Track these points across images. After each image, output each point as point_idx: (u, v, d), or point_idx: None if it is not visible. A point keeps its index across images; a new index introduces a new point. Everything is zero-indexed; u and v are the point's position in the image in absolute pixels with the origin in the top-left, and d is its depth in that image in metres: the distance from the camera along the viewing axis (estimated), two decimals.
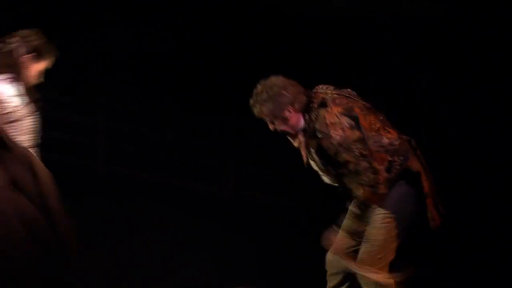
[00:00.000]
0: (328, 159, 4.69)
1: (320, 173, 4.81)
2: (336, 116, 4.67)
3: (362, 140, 4.60)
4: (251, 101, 4.74)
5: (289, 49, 9.15)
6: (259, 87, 4.73)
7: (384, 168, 4.64)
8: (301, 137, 4.77)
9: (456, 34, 7.47)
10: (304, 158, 4.79)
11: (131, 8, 10.55)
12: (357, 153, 4.61)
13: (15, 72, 4.76)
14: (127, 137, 8.85)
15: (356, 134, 4.63)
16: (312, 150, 4.74)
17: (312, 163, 4.80)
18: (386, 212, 4.71)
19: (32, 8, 9.76)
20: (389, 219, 4.71)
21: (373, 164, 4.61)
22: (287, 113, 4.72)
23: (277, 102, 4.69)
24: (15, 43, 4.77)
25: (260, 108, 4.72)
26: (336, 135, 4.63)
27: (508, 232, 6.60)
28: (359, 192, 4.65)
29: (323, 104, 4.72)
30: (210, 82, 9.70)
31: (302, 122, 4.75)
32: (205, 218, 7.38)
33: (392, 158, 4.66)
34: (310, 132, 4.72)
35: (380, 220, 4.73)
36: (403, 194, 4.73)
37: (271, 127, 4.78)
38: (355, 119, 4.67)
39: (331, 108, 4.69)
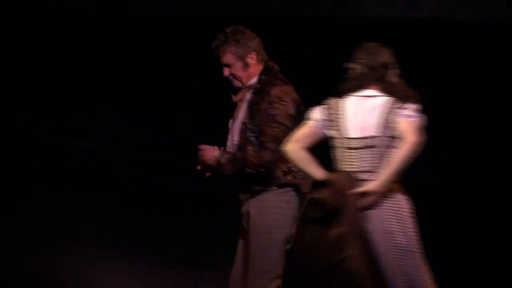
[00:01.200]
0: (250, 121, 4.73)
1: (231, 136, 4.84)
2: (290, 97, 4.72)
3: (289, 132, 4.53)
4: (217, 39, 4.78)
5: None
6: (229, 29, 4.80)
7: (283, 167, 4.68)
8: (247, 93, 4.81)
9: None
10: (231, 115, 4.86)
11: None
12: (276, 133, 4.63)
13: None
14: None
15: (289, 123, 4.65)
16: (244, 107, 4.80)
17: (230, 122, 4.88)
18: None
19: None
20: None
21: (277, 153, 4.59)
22: (249, 59, 4.77)
23: (245, 45, 4.76)
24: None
25: (226, 47, 4.76)
26: (278, 106, 4.67)
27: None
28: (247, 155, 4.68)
29: (285, 80, 4.79)
30: None
31: (255, 79, 4.79)
32: None
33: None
34: (258, 90, 4.75)
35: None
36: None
37: (226, 72, 4.79)
38: (297, 112, 4.70)
39: (290, 88, 4.76)
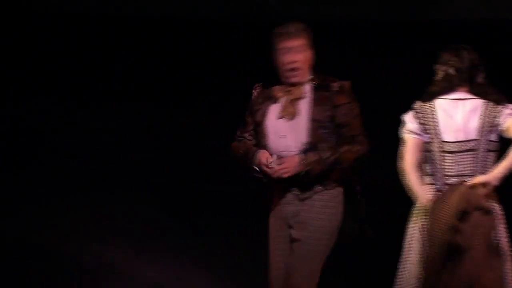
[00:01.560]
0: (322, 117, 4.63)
1: (288, 136, 4.65)
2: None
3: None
4: (293, 24, 4.63)
5: None
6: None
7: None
8: (305, 88, 4.66)
9: None
10: (285, 113, 4.66)
11: None
12: (362, 126, 4.64)
13: None
14: None
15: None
16: (308, 103, 4.63)
17: (282, 123, 4.65)
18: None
19: None
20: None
21: (368, 145, 4.62)
22: (312, 51, 4.69)
23: (311, 36, 4.65)
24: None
25: (303, 32, 4.61)
26: (354, 99, 4.64)
27: None
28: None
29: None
30: None
31: (309, 75, 4.68)
32: None
33: None
34: (322, 85, 4.65)
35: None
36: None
37: (297, 57, 4.59)
38: None
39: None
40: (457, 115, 4.30)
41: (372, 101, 5.17)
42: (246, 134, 4.78)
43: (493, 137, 4.28)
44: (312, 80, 4.68)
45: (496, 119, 4.26)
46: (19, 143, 10.61)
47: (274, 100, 4.69)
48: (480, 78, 4.36)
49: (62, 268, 6.40)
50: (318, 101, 4.62)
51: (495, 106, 4.28)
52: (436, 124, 4.32)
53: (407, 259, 4.41)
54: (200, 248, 6.72)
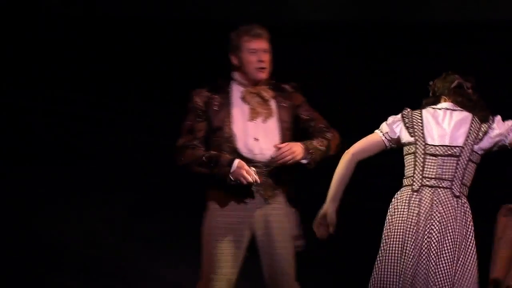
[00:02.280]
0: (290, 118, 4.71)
1: (262, 139, 4.66)
2: None
3: None
4: (258, 26, 4.71)
5: None
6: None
7: None
8: (265, 91, 4.71)
9: None
10: (255, 115, 4.68)
11: None
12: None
13: None
14: None
15: None
16: (267, 102, 4.69)
17: (254, 126, 4.66)
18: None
19: None
20: None
21: None
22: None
23: None
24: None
25: (268, 34, 4.72)
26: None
27: None
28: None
29: None
30: None
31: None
32: None
33: None
34: (276, 87, 4.73)
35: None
36: None
37: (265, 57, 4.65)
38: None
39: None
40: (445, 122, 4.52)
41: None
42: (196, 142, 4.69)
43: (476, 148, 4.47)
44: (267, 83, 4.75)
45: (480, 134, 4.49)
46: (21, 142, 10.63)
47: (236, 103, 4.68)
48: (470, 94, 4.59)
49: (70, 267, 6.43)
50: (281, 102, 4.71)
51: (481, 121, 4.51)
52: (422, 128, 4.53)
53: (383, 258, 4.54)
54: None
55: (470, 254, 4.39)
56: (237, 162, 4.53)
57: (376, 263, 4.45)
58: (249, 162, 4.58)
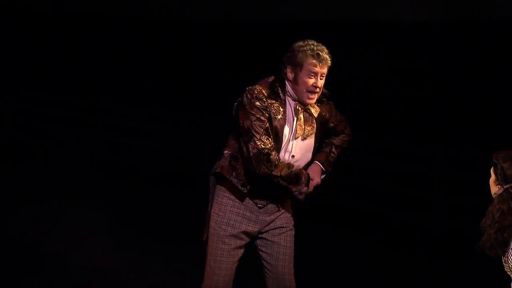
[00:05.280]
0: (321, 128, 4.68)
1: (297, 156, 4.62)
2: None
3: None
4: (325, 49, 4.55)
5: None
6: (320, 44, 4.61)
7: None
8: (314, 106, 4.62)
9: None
10: (301, 133, 4.60)
11: None
12: None
13: None
14: None
15: None
16: (312, 119, 4.61)
17: (295, 143, 4.60)
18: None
19: None
20: None
21: None
22: None
23: None
24: None
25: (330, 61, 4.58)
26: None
27: None
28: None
29: None
30: None
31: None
32: None
33: None
34: (319, 99, 4.60)
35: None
36: None
37: (320, 83, 4.54)
38: None
39: None
40: None
41: None
42: (273, 147, 4.54)
43: None
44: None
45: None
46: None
47: (288, 116, 4.57)
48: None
49: (50, 267, 6.38)
50: (321, 119, 4.63)
51: None
52: None
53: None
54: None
55: None
56: (312, 181, 4.62)
57: None
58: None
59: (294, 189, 4.48)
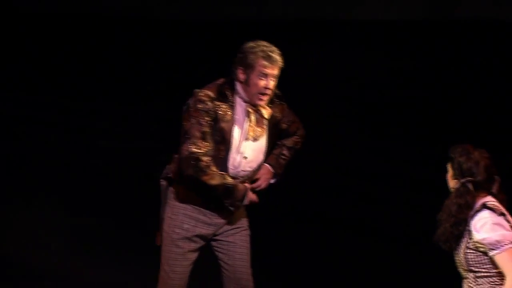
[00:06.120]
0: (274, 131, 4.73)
1: (249, 157, 4.66)
2: None
3: None
4: (276, 49, 4.60)
5: None
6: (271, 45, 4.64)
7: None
8: (266, 107, 4.68)
9: None
10: (253, 135, 4.65)
11: None
12: None
13: None
14: None
15: None
16: (264, 120, 4.66)
17: (247, 144, 4.64)
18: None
19: None
20: None
21: None
22: None
23: None
24: None
25: (282, 62, 4.64)
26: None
27: None
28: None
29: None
30: None
31: None
32: None
33: None
34: (270, 100, 4.66)
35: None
36: None
37: (272, 84, 4.59)
38: None
39: None
40: None
41: None
42: (209, 153, 4.52)
43: None
44: None
45: None
46: None
47: (238, 118, 4.59)
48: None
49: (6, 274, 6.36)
50: (272, 120, 4.67)
51: None
52: None
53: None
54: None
55: None
56: (248, 196, 4.59)
57: None
58: (232, 177, 4.59)
59: (224, 201, 4.46)
